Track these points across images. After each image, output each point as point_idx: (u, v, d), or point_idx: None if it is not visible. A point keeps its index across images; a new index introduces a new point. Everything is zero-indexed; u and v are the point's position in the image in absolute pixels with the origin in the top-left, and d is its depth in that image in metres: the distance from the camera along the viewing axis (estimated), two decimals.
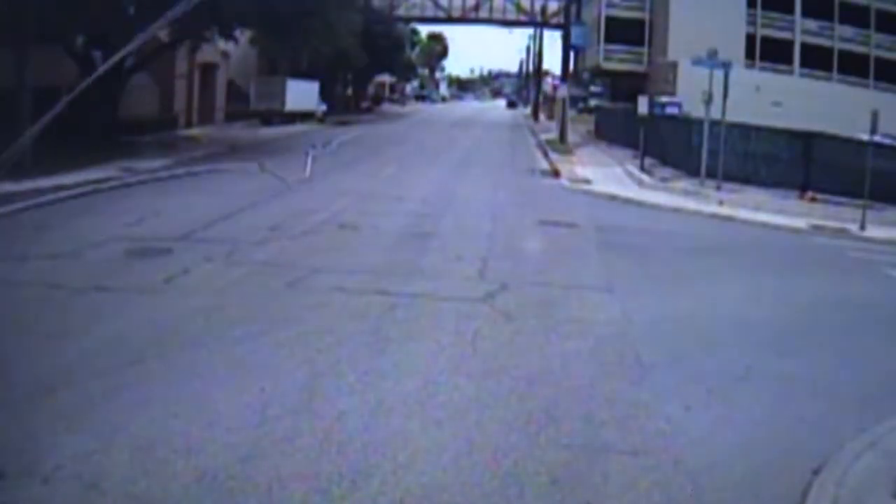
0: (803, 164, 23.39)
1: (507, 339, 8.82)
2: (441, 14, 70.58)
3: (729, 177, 23.13)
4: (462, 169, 26.85)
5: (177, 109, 35.93)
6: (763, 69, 48.14)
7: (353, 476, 5.54)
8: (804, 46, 50.61)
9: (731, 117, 23.63)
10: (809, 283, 13.03)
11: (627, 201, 21.38)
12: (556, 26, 58.61)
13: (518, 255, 13.68)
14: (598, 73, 60.04)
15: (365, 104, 72.17)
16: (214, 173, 22.05)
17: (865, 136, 19.77)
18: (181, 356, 7.66)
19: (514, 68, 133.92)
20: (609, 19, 55.80)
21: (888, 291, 13.06)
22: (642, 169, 26.47)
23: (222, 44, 35.13)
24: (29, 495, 5.12)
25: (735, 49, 42.54)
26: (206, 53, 36.01)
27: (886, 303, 11.97)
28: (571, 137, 39.02)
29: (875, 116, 19.09)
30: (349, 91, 67.66)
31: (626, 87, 49.26)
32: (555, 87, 60.68)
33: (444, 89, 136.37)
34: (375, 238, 14.16)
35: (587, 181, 24.73)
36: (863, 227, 18.62)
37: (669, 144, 27.97)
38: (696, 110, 26.63)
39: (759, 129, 25.04)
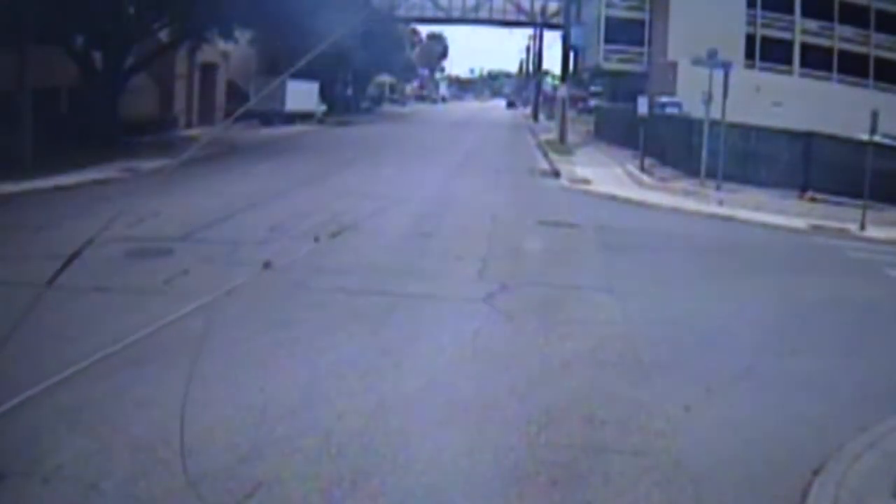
0: (803, 164, 23.36)
1: (508, 339, 8.83)
2: (441, 14, 70.60)
3: (729, 177, 23.11)
4: (462, 169, 26.83)
5: (177, 110, 35.90)
6: (763, 69, 48.13)
7: (353, 476, 5.54)
8: (804, 46, 50.54)
9: (731, 117, 23.62)
10: (809, 283, 13.02)
11: (627, 201, 21.37)
12: (556, 26, 58.59)
13: (518, 255, 13.67)
14: (598, 73, 60.02)
15: (365, 104, 72.09)
16: (214, 174, 22.02)
17: (865, 136, 19.77)
18: (180, 357, 7.66)
19: (514, 68, 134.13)
20: (609, 19, 55.76)
21: (888, 291, 13.05)
22: (642, 169, 26.46)
23: (222, 44, 35.10)
24: (29, 495, 5.12)
25: (735, 49, 42.51)
26: (206, 53, 35.95)
27: (886, 303, 11.96)
28: (571, 138, 39.00)
29: (875, 116, 19.09)
30: (349, 91, 67.60)
31: (626, 87, 49.25)
32: (554, 87, 60.69)
33: (444, 89, 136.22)
34: (375, 238, 14.16)
35: (587, 181, 24.72)
36: (862, 227, 18.61)
37: (669, 145, 27.96)
38: (695, 110, 26.64)
39: (759, 129, 25.03)
